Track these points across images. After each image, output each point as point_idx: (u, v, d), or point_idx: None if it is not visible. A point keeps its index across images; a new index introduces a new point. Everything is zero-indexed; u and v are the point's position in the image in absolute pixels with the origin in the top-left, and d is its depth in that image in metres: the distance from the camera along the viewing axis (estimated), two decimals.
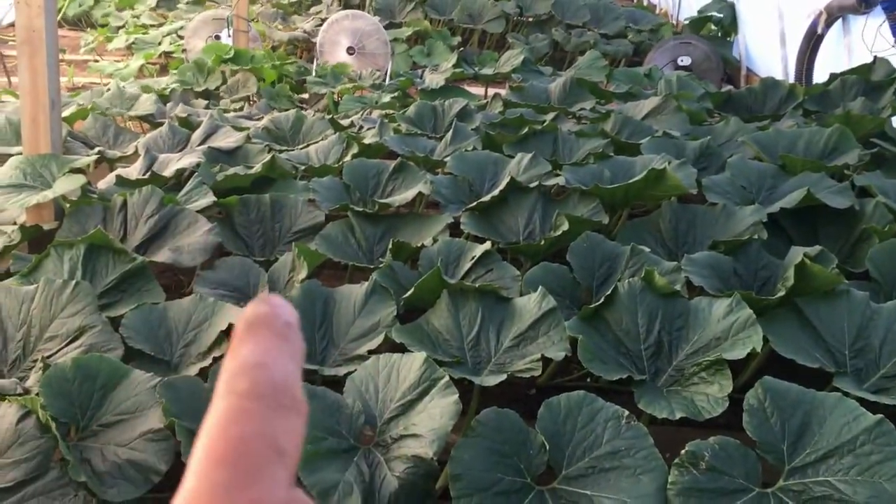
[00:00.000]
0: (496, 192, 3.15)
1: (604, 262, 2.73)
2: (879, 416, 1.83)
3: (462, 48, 7.63)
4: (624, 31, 7.98)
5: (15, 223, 3.20)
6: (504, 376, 2.16)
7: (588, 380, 2.56)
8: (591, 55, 6.36)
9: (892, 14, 4.45)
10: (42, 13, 2.93)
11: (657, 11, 9.52)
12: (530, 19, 8.25)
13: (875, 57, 4.60)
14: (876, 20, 4.67)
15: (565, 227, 2.85)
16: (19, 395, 1.99)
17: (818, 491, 1.77)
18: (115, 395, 2.04)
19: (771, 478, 1.84)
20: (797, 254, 2.54)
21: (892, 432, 1.79)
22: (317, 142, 4.02)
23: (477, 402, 2.28)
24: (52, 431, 1.85)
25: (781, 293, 2.37)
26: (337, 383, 2.24)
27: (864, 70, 4.61)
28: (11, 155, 3.76)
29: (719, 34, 7.36)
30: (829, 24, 5.19)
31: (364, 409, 2.07)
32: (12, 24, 5.70)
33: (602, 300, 2.38)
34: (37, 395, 1.92)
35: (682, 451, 1.81)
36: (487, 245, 2.74)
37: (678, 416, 2.01)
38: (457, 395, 1.98)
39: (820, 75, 5.30)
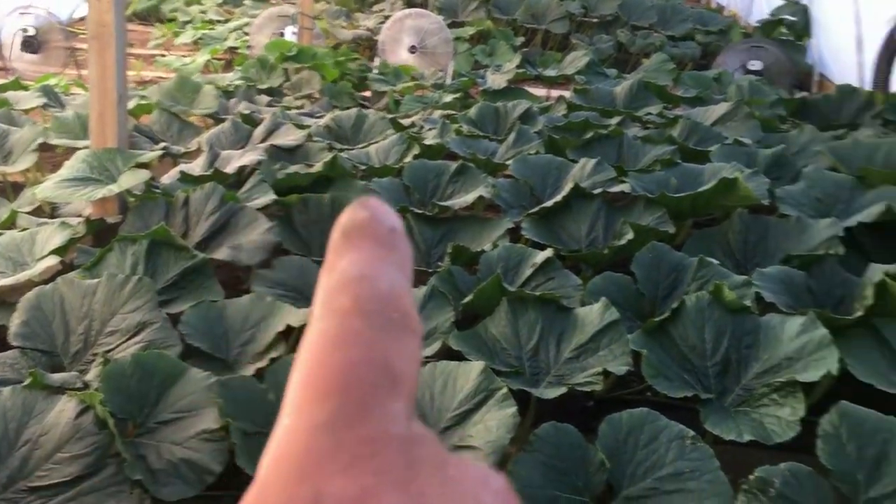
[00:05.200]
0: (559, 197, 3.08)
1: (669, 273, 2.65)
2: None
3: (525, 48, 7.52)
4: (691, 33, 7.76)
5: (80, 216, 3.25)
6: (564, 389, 2.11)
7: (648, 393, 2.49)
8: (659, 57, 6.21)
9: None
10: (112, 8, 2.96)
11: (725, 13, 9.27)
12: (595, 20, 8.08)
13: None
14: None
15: (630, 235, 2.77)
16: (79, 389, 2.00)
17: None
18: (172, 393, 2.03)
19: None
20: (876, 271, 2.41)
21: None
22: (377, 141, 3.99)
23: (534, 414, 2.23)
24: (109, 427, 1.85)
25: (859, 313, 2.26)
26: None
27: None
28: (78, 148, 3.83)
29: (791, 38, 7.12)
30: None
31: (420, 417, 2.04)
32: (83, 19, 5.83)
33: (667, 314, 2.31)
34: (96, 390, 1.93)
35: (752, 477, 1.72)
36: (549, 252, 2.67)
37: (747, 438, 1.92)
38: (515, 408, 1.94)
39: None
